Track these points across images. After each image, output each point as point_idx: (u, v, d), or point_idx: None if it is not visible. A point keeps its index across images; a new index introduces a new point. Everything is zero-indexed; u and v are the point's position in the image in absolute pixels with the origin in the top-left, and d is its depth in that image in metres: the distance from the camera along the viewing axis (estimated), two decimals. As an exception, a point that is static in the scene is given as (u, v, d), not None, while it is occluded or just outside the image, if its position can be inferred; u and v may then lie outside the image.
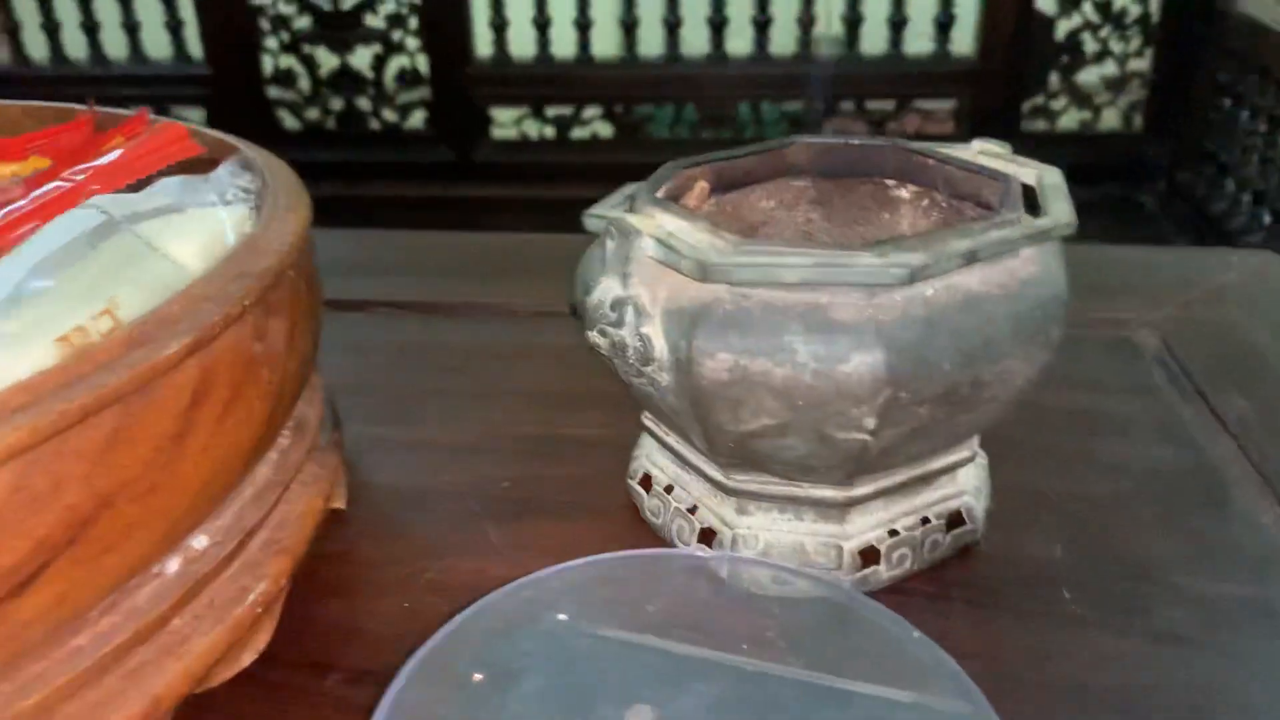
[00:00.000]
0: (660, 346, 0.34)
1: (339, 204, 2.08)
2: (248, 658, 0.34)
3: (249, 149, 0.41)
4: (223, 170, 0.38)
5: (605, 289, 0.35)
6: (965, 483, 0.40)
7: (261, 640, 0.34)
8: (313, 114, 2.27)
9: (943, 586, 0.39)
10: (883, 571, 0.38)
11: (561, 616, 0.25)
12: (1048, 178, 0.39)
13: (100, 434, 0.26)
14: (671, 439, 0.40)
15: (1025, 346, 0.34)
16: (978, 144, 0.43)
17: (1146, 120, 2.21)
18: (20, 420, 0.24)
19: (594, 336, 0.35)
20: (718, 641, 0.25)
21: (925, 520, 0.39)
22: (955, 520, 0.40)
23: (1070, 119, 2.24)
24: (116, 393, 0.26)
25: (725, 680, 0.24)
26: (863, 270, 0.31)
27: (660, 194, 0.39)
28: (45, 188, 0.38)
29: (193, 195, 0.37)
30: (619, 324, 0.34)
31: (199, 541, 0.32)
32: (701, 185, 0.42)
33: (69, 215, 0.33)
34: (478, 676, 0.23)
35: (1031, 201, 0.38)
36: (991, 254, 0.33)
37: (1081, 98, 2.22)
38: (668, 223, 0.35)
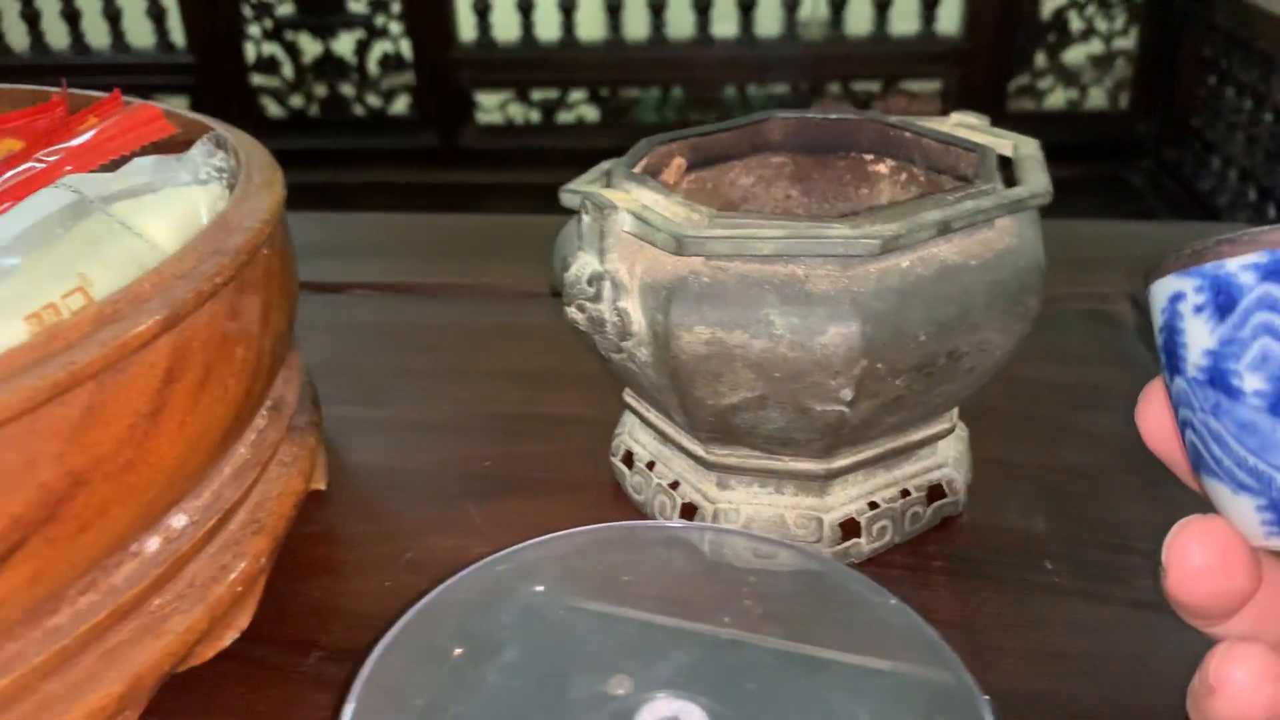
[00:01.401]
0: (638, 321, 0.34)
1: (324, 191, 2.07)
2: (230, 636, 0.34)
3: (223, 128, 0.41)
4: (196, 149, 0.38)
5: (582, 264, 0.34)
6: (945, 454, 0.40)
7: (243, 619, 0.34)
8: (296, 101, 2.26)
9: (923, 558, 0.39)
10: (863, 544, 0.38)
11: (538, 589, 0.25)
12: (1024, 148, 0.39)
13: (73, 411, 0.26)
14: (653, 415, 0.40)
15: (1002, 317, 0.34)
16: (956, 116, 0.43)
17: (1133, 98, 2.21)
18: (-10, 398, 0.24)
19: (572, 312, 0.35)
20: (694, 612, 0.25)
21: (905, 492, 0.39)
22: (936, 492, 0.40)
23: (1057, 98, 2.24)
24: (88, 370, 0.26)
25: (701, 650, 0.24)
26: (836, 241, 0.31)
27: (637, 169, 0.38)
28: (17, 169, 0.38)
29: (166, 175, 0.37)
30: (597, 299, 0.34)
31: (178, 520, 0.32)
32: (678, 161, 0.42)
33: (40, 194, 0.33)
34: (457, 650, 0.23)
35: (1009, 172, 0.38)
36: (965, 224, 0.33)
37: (1068, 76, 2.22)
38: (643, 197, 0.35)
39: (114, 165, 0.38)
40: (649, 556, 0.26)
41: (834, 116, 0.43)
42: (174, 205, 0.35)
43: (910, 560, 0.39)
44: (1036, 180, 0.35)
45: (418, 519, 0.41)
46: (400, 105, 2.28)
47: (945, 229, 0.32)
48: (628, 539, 0.26)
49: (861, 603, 0.25)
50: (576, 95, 2.27)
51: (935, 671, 0.23)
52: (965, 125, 0.42)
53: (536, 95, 2.27)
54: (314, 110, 2.26)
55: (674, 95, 2.26)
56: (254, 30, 2.21)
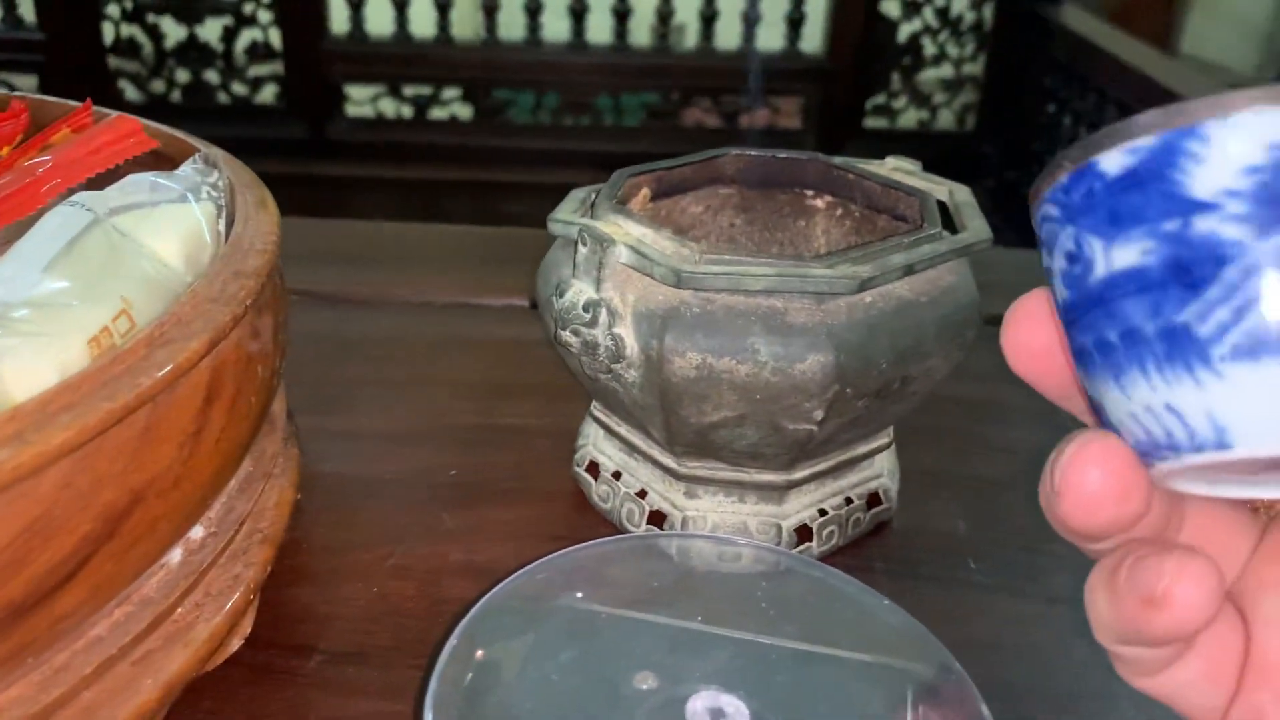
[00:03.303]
0: (631, 345, 0.37)
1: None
2: (236, 643, 0.35)
3: (204, 146, 0.42)
4: (188, 167, 0.39)
5: (578, 291, 0.37)
6: (881, 466, 0.45)
7: (247, 625, 0.36)
8: (157, 86, 2.17)
9: (865, 559, 0.43)
10: (814, 547, 0.42)
11: (578, 594, 0.28)
12: (959, 195, 0.43)
13: (134, 432, 0.27)
14: (623, 429, 0.43)
15: (946, 346, 0.39)
16: (892, 161, 0.47)
17: (979, 121, 2.36)
18: (67, 420, 0.25)
19: (566, 336, 0.38)
20: (716, 615, 0.28)
21: (849, 500, 0.43)
22: (873, 500, 0.44)
23: (909, 118, 2.37)
24: (150, 391, 0.27)
25: (729, 648, 0.27)
26: (820, 280, 0.35)
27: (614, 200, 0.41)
28: (1, 180, 0.38)
29: (162, 192, 0.38)
30: (592, 324, 0.37)
31: (196, 533, 0.33)
32: (645, 192, 0.45)
33: (58, 213, 0.33)
34: (520, 652, 0.26)
35: (942, 214, 0.43)
36: (926, 267, 0.37)
37: (920, 98, 2.35)
38: (634, 230, 0.38)
39: (101, 179, 0.39)
40: (670, 564, 0.29)
41: (783, 155, 0.47)
42: (179, 224, 0.36)
43: (854, 562, 0.43)
44: (978, 227, 0.40)
45: (393, 526, 0.43)
46: (267, 94, 2.22)
47: (910, 270, 0.36)
48: (650, 548, 0.29)
49: (860, 604, 0.28)
50: (450, 93, 2.26)
51: (930, 665, 0.26)
52: (901, 169, 0.46)
53: (409, 91, 2.25)
54: (175, 96, 2.18)
55: (548, 98, 2.28)
56: (112, 11, 2.12)
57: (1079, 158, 0.20)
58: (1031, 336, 0.23)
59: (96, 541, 0.27)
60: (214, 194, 0.38)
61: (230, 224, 0.37)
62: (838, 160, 0.46)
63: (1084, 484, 0.20)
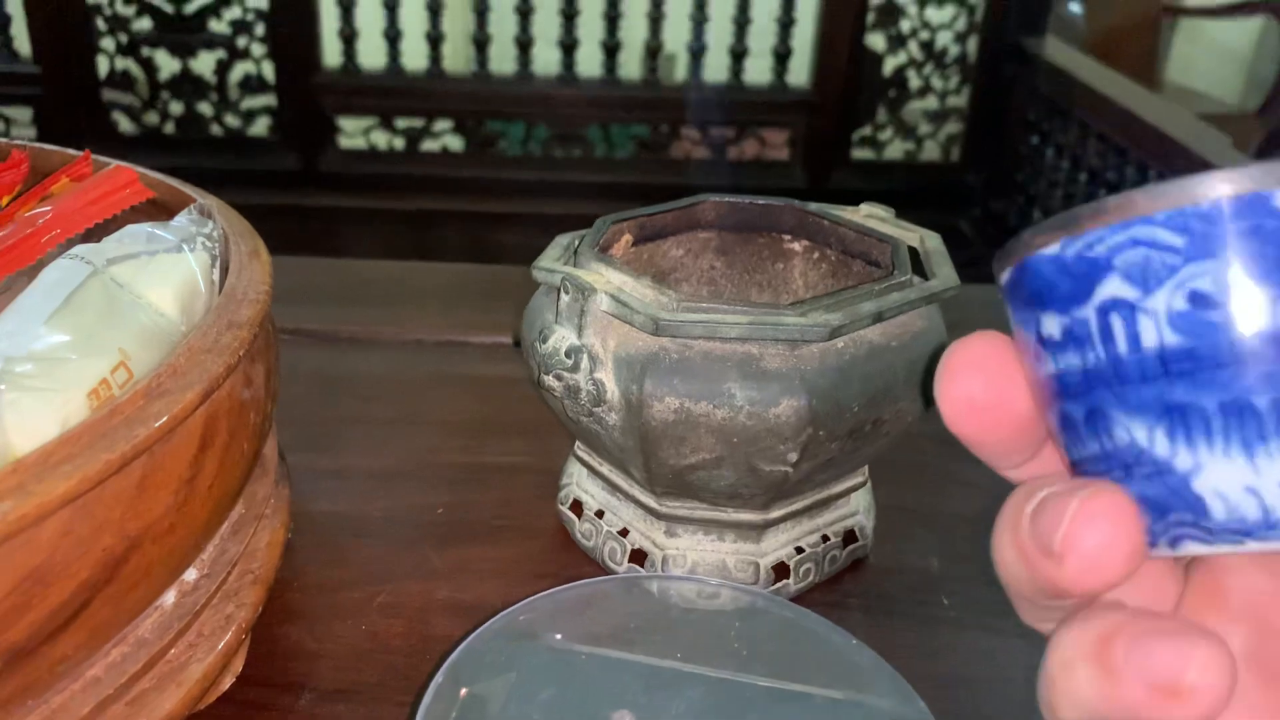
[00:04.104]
0: (612, 390, 0.38)
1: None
2: (228, 681, 0.36)
3: (200, 195, 0.43)
4: (183, 218, 0.40)
5: (560, 338, 0.39)
6: (857, 504, 0.46)
7: (239, 664, 0.37)
8: (151, 118, 2.19)
9: (841, 596, 0.44)
10: (791, 584, 0.43)
11: (558, 635, 0.29)
12: (929, 242, 0.45)
13: (131, 481, 0.28)
14: (605, 469, 0.44)
15: (916, 390, 0.40)
16: (865, 208, 0.49)
17: (963, 152, 2.39)
18: (68, 471, 0.26)
19: (549, 380, 0.39)
20: (691, 653, 0.29)
21: (825, 538, 0.44)
22: (849, 537, 0.45)
23: (895, 149, 2.40)
24: (147, 442, 0.28)
25: (703, 687, 0.29)
26: (792, 328, 0.36)
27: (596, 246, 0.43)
28: (3, 231, 0.39)
29: (158, 242, 0.39)
30: (574, 369, 0.38)
31: (190, 575, 0.34)
32: (626, 238, 0.46)
33: (58, 266, 0.34)
34: (501, 694, 0.27)
35: (913, 260, 0.44)
36: (895, 314, 0.39)
37: (906, 129, 2.38)
38: (614, 279, 0.39)
39: (99, 229, 0.40)
40: (648, 605, 0.31)
41: (761, 201, 0.49)
42: (174, 274, 0.37)
43: (830, 598, 0.44)
44: (947, 274, 0.41)
45: (381, 564, 0.44)
46: (260, 127, 2.24)
47: (880, 317, 0.38)
48: (629, 589, 0.31)
49: (829, 644, 0.30)
50: (442, 125, 2.29)
51: (895, 703, 0.28)
52: (874, 216, 0.48)
53: (401, 123, 2.28)
54: (169, 128, 2.20)
55: (538, 130, 2.31)
56: (107, 44, 2.14)
57: (1243, 185, 0.17)
58: (979, 389, 0.21)
59: (95, 587, 0.28)
60: (208, 244, 0.39)
61: (224, 273, 0.38)
62: (813, 206, 0.48)
63: (1089, 542, 0.18)
